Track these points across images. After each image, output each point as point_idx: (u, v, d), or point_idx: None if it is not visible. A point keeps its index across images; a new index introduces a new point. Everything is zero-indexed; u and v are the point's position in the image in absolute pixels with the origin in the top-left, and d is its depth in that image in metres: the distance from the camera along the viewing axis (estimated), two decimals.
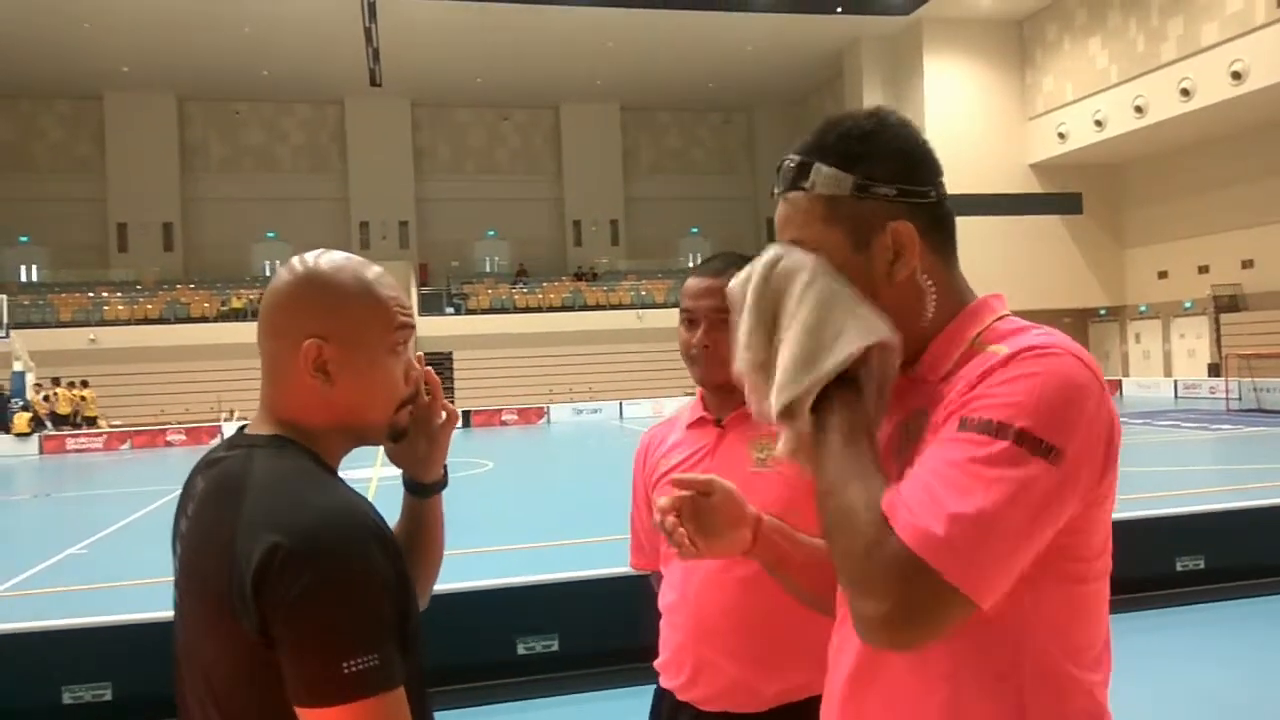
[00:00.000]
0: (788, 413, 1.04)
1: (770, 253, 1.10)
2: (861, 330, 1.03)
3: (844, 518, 0.98)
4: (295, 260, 1.19)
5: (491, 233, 36.63)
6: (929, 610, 0.92)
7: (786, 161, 1.11)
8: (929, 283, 1.08)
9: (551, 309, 32.01)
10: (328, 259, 1.18)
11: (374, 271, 1.19)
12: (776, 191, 1.13)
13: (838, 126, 1.09)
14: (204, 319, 29.26)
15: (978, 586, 0.91)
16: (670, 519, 1.29)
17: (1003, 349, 1.00)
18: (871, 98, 30.29)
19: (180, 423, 25.56)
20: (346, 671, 0.96)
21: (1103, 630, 1.06)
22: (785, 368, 1.04)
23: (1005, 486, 0.92)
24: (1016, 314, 1.11)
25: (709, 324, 1.81)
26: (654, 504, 1.94)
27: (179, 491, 1.20)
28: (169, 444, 24.22)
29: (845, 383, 1.04)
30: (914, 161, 1.09)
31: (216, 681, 1.03)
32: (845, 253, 1.07)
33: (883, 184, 1.06)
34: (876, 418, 1.07)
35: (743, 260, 1.85)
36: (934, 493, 0.93)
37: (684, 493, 1.31)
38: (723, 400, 1.87)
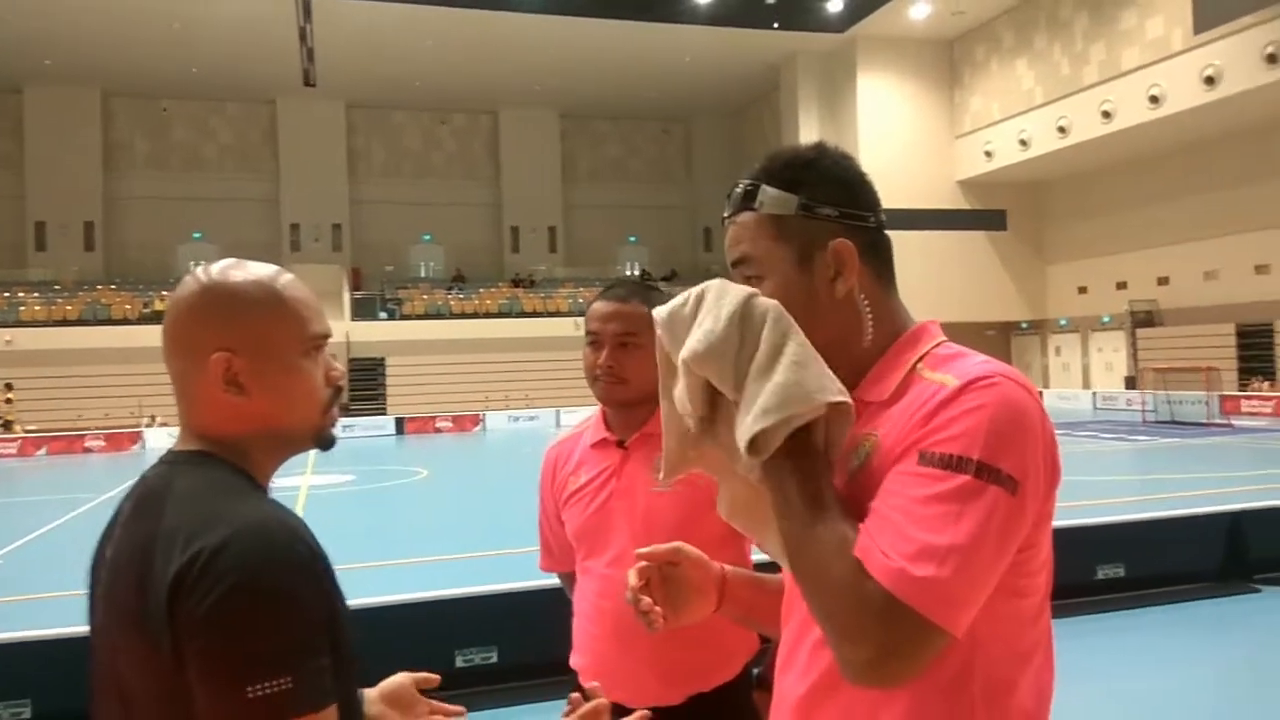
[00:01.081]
0: (760, 443, 1.03)
1: (740, 287, 1.11)
2: (838, 385, 1.04)
3: (818, 565, 1.01)
4: (198, 271, 1.15)
5: (427, 237, 36.23)
6: (910, 646, 0.95)
7: (736, 188, 1.18)
8: (866, 303, 1.14)
9: (488, 315, 31.76)
10: (229, 267, 1.14)
11: (281, 276, 1.16)
12: (727, 216, 1.19)
13: (783, 155, 1.17)
14: (125, 321, 28.32)
15: (952, 618, 0.95)
16: (646, 600, 1.30)
17: (951, 379, 1.05)
18: (807, 112, 30.81)
19: (100, 428, 24.73)
20: (251, 696, 0.91)
21: (1045, 639, 1.11)
22: (773, 394, 1.02)
23: (971, 519, 0.96)
24: (943, 327, 1.16)
25: (613, 347, 1.90)
26: (564, 520, 1.99)
27: (99, 500, 1.17)
28: (88, 450, 23.41)
29: (803, 431, 1.05)
30: (853, 188, 1.16)
31: (136, 711, 1.00)
32: (791, 267, 1.13)
33: (825, 205, 1.13)
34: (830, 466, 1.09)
35: (647, 289, 1.95)
36: (904, 532, 0.97)
37: (647, 564, 1.33)
38: (625, 419, 1.96)
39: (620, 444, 1.95)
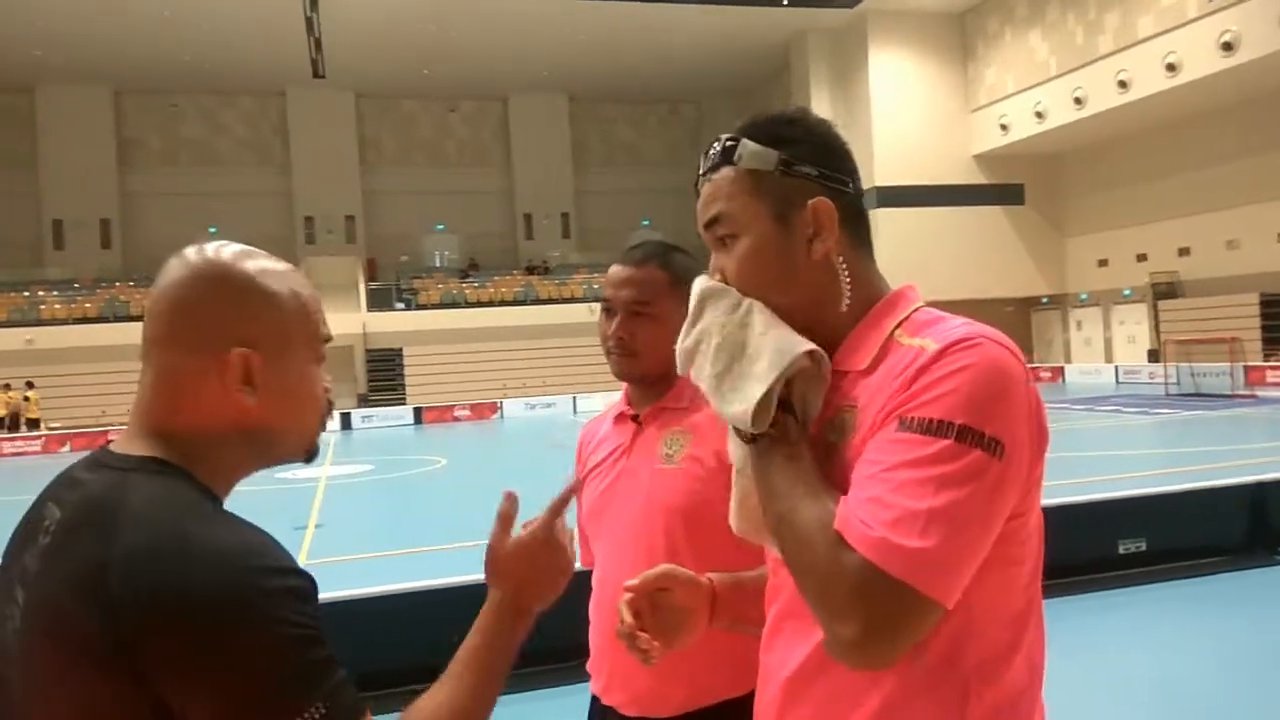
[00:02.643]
0: (761, 414, 1.04)
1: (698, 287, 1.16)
2: (796, 340, 1.06)
3: (801, 543, 0.98)
4: (194, 254, 1.02)
5: (440, 226, 36.25)
6: (898, 620, 0.91)
7: (713, 145, 1.15)
8: (844, 266, 1.11)
9: (503, 303, 31.77)
10: (242, 255, 1.03)
11: (295, 271, 1.07)
12: (702, 173, 1.16)
13: (765, 114, 1.15)
14: (144, 317, 28.50)
15: (941, 587, 0.91)
16: (643, 636, 1.25)
17: (930, 343, 1.01)
18: (818, 90, 30.55)
19: (123, 423, 24.90)
20: None
21: (1036, 610, 1.07)
22: (747, 370, 1.06)
23: (954, 485, 0.92)
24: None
25: (625, 315, 1.77)
26: (580, 504, 1.89)
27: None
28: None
29: (783, 405, 1.05)
30: (834, 153, 1.13)
31: None
32: (769, 224, 1.10)
33: (806, 164, 1.10)
34: (808, 426, 1.08)
35: (668, 251, 1.83)
36: (884, 500, 0.93)
37: (634, 596, 1.29)
38: (643, 393, 1.84)
39: (635, 418, 1.83)
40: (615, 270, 1.82)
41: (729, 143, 1.13)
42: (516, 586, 1.19)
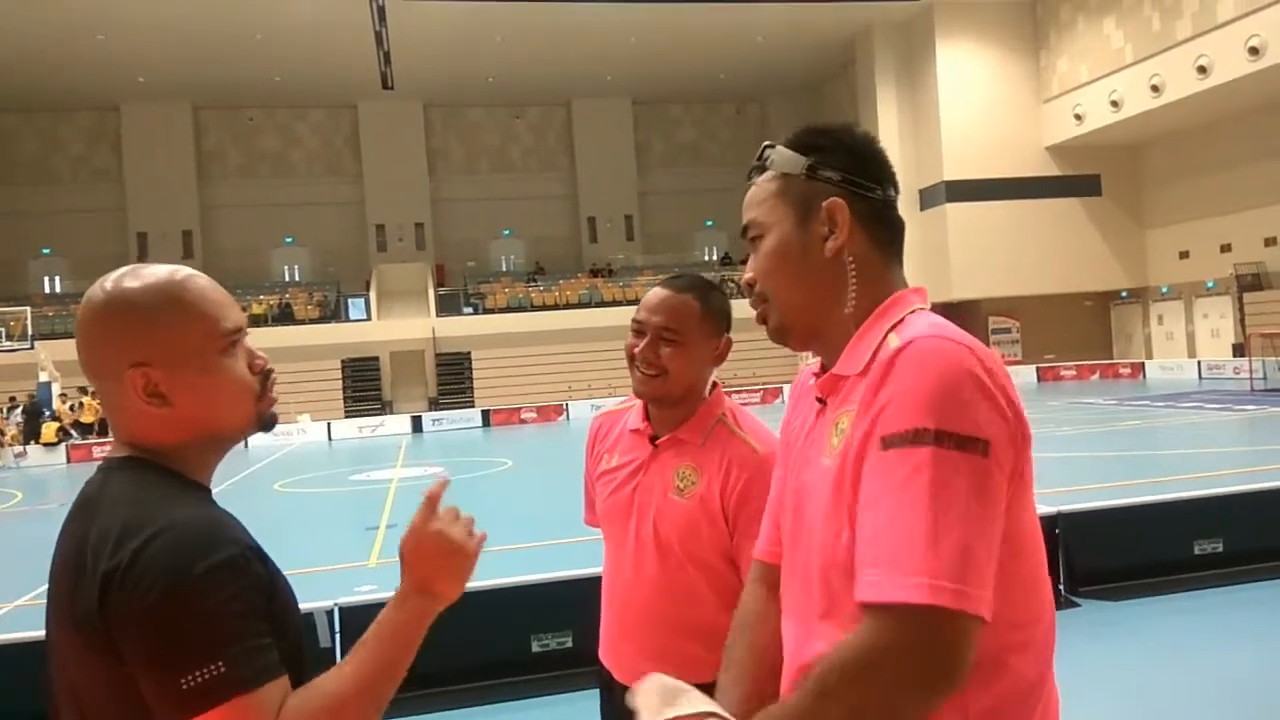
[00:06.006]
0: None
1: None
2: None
3: (847, 689, 0.95)
4: (96, 287, 1.13)
5: (507, 232, 36.71)
6: (952, 647, 0.92)
7: (761, 150, 1.24)
8: (853, 267, 1.14)
9: (568, 306, 32.06)
10: (124, 277, 1.12)
11: (179, 274, 1.14)
12: (747, 178, 1.26)
13: (806, 126, 1.24)
14: None
15: (977, 600, 0.92)
16: None
17: (895, 340, 1.04)
18: (885, 84, 30.12)
19: None
20: (186, 686, 0.94)
21: (1047, 608, 1.08)
22: None
23: (948, 491, 0.94)
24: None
25: (653, 339, 1.87)
26: (596, 492, 2.04)
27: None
28: None
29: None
30: (864, 160, 1.19)
31: (88, 707, 1.03)
32: (790, 225, 1.17)
33: (830, 170, 1.17)
34: None
35: (709, 286, 1.93)
36: (896, 538, 0.94)
37: None
38: (664, 415, 1.93)
39: (653, 439, 1.93)
40: (654, 293, 1.93)
41: (767, 149, 1.23)
42: (428, 570, 1.15)
